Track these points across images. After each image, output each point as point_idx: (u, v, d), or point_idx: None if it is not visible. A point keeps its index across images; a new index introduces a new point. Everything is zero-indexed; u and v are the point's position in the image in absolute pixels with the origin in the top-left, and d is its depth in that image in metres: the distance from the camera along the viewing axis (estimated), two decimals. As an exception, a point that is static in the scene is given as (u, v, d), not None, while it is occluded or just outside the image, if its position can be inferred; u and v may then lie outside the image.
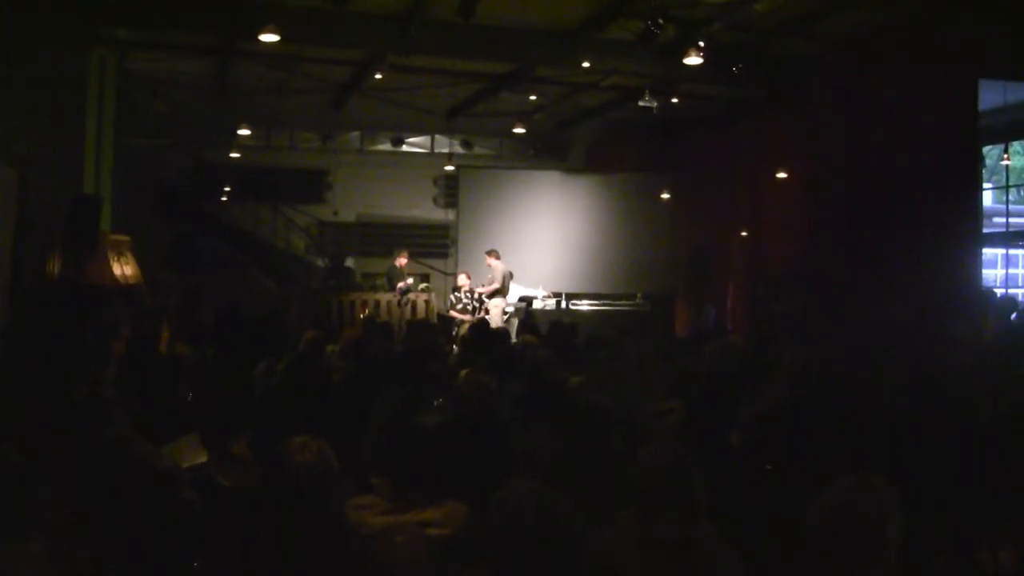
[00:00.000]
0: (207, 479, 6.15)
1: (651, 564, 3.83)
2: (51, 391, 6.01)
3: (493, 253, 19.25)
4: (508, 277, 19.16)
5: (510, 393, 6.85)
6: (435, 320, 18.94)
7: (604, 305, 20.79)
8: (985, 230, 16.73)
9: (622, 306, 20.68)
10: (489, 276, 19.16)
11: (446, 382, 8.54)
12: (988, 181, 16.48)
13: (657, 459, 4.12)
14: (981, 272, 15.36)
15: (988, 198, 19.44)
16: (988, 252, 17.48)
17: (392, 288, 19.61)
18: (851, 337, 12.73)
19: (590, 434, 5.08)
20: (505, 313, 18.95)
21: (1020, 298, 16.90)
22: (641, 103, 17.16)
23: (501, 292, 18.89)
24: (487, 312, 18.67)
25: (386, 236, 24.84)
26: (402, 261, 19.81)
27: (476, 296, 19.15)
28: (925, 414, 5.93)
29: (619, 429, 5.16)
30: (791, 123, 17.45)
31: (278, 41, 12.92)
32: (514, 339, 12.93)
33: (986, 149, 16.66)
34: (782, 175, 17.88)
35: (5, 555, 3.65)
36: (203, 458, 6.36)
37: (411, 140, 24.93)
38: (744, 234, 19.63)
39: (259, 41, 12.94)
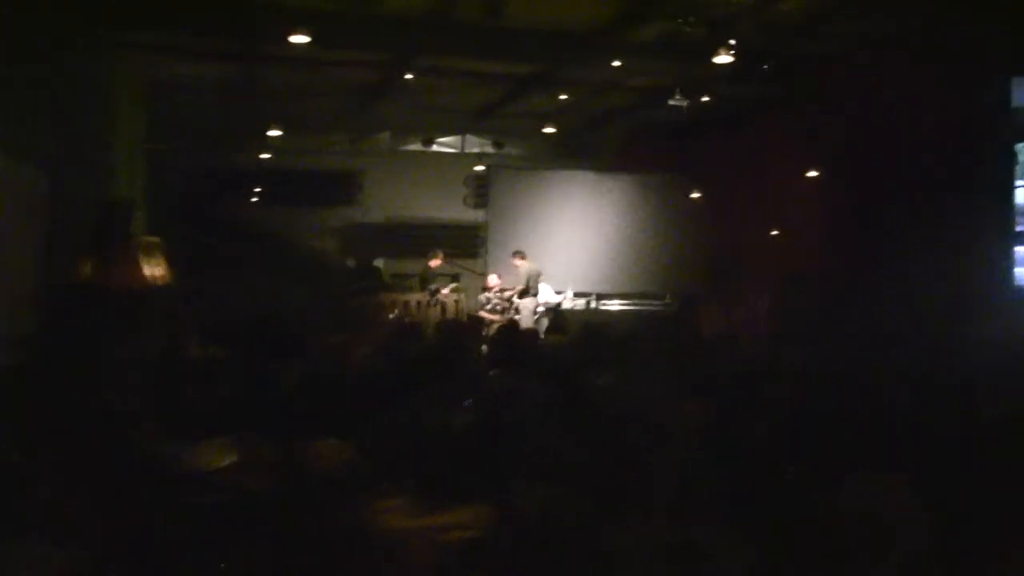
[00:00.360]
0: (233, 482, 6.19)
1: (672, 568, 3.84)
2: (81, 394, 6.06)
3: (519, 254, 19.29)
4: (536, 277, 19.18)
5: (537, 394, 6.85)
6: (465, 320, 18.97)
7: (634, 305, 20.80)
8: (1019, 228, 16.55)
9: (651, 306, 20.69)
10: (515, 277, 19.21)
11: (474, 383, 8.56)
12: (1022, 179, 16.32)
13: (676, 461, 4.14)
14: (1013, 271, 15.21)
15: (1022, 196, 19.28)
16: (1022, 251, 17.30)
17: (424, 288, 19.66)
18: (875, 338, 12.68)
19: (615, 435, 5.09)
20: (536, 313, 18.97)
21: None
22: (672, 102, 17.13)
23: (528, 292, 18.91)
24: (517, 312, 18.70)
25: (416, 237, 24.89)
26: (436, 262, 19.84)
27: (506, 297, 19.18)
28: (948, 417, 5.91)
29: (644, 430, 5.17)
30: (819, 121, 17.38)
31: (306, 44, 12.95)
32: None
33: (1020, 146, 16.48)
34: (809, 173, 17.82)
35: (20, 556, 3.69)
36: (229, 461, 6.40)
37: (441, 140, 24.90)
38: (772, 233, 19.57)
39: (285, 44, 12.98)
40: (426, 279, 19.78)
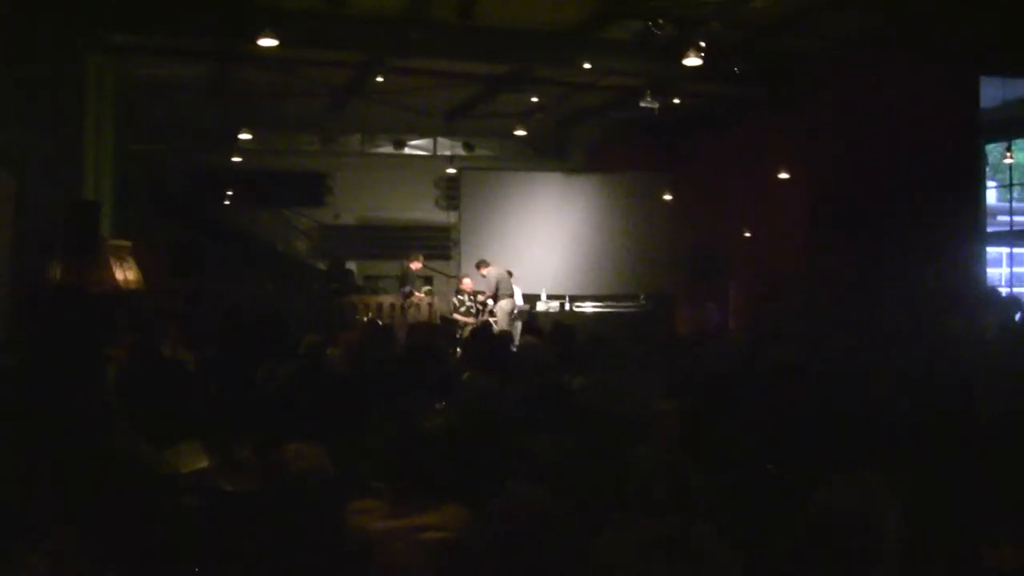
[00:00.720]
0: (209, 484, 6.19)
1: (649, 565, 3.85)
2: (52, 398, 6.04)
3: (482, 263, 19.31)
4: (506, 280, 19.18)
5: (512, 395, 6.87)
6: (438, 323, 18.98)
7: (607, 307, 20.84)
8: (989, 228, 16.68)
9: (625, 307, 20.73)
10: (483, 286, 19.21)
11: (448, 385, 8.58)
12: (991, 179, 16.46)
13: (654, 460, 4.16)
14: (985, 270, 15.33)
15: (992, 196, 19.43)
16: (992, 251, 17.43)
17: (400, 290, 19.70)
18: (851, 336, 12.74)
19: (591, 436, 5.11)
20: (511, 315, 18.99)
21: (1024, 296, 16.90)
22: (643, 104, 17.17)
23: (498, 297, 18.93)
24: (492, 315, 18.72)
25: (388, 239, 24.91)
26: (416, 265, 19.86)
27: (479, 299, 19.20)
28: (924, 413, 5.96)
29: (619, 430, 5.19)
30: (791, 122, 17.45)
31: (276, 45, 12.92)
32: (517, 341, 12.97)
33: (989, 147, 16.62)
34: (782, 174, 17.89)
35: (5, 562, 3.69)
36: (205, 463, 6.39)
37: (412, 142, 24.87)
38: (745, 233, 19.65)
39: (257, 45, 12.94)
40: (406, 281, 19.78)
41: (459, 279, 20.16)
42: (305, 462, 4.08)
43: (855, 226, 15.55)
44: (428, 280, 23.56)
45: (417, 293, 19.75)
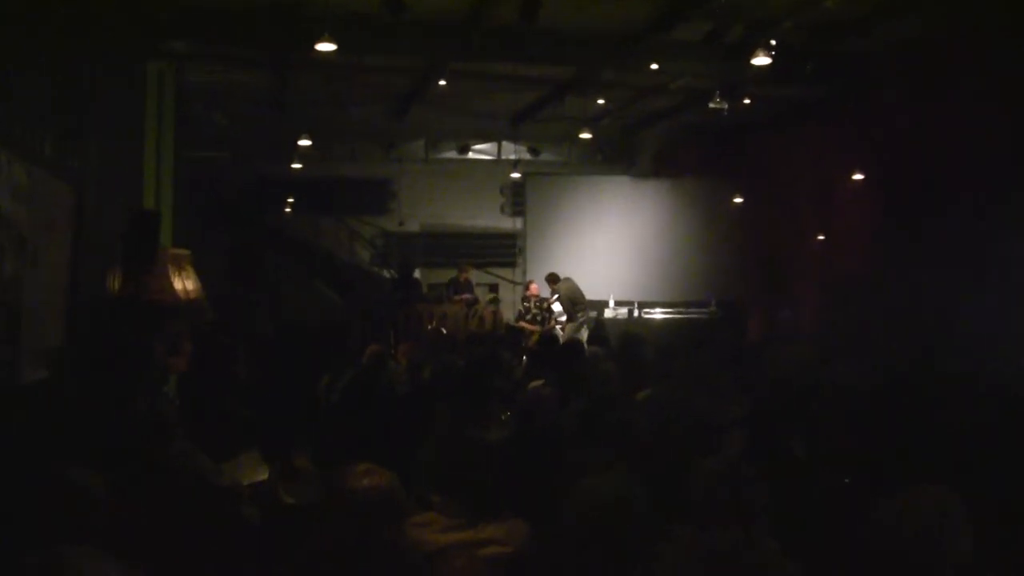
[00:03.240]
0: (269, 496, 6.27)
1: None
2: (112, 408, 6.14)
3: (551, 277, 19.26)
4: (577, 293, 19.11)
5: (575, 408, 6.89)
6: (503, 332, 19.00)
7: (676, 313, 20.79)
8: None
9: (694, 314, 20.66)
10: (555, 298, 19.20)
11: (512, 396, 8.61)
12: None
13: (715, 471, 4.16)
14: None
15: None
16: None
17: (450, 298, 19.80)
18: (927, 345, 12.63)
19: (653, 450, 5.12)
20: (577, 323, 18.98)
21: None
22: (712, 105, 17.09)
23: (573, 316, 18.85)
24: (558, 323, 18.73)
25: (452, 246, 24.98)
26: (465, 275, 19.95)
27: (546, 306, 19.21)
28: (999, 423, 5.91)
29: (683, 445, 5.19)
30: (862, 123, 17.33)
31: (335, 51, 12.99)
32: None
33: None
34: (854, 176, 17.76)
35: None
36: (264, 475, 6.48)
37: (477, 147, 24.86)
38: (817, 237, 19.54)
39: (316, 51, 13.03)
40: (458, 289, 19.87)
41: (526, 285, 20.16)
42: (372, 487, 4.07)
43: (928, 229, 15.39)
44: (493, 287, 23.62)
45: (480, 301, 19.81)
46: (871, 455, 5.48)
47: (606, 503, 3.80)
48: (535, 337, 16.37)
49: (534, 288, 19.58)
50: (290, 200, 24.95)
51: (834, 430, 5.82)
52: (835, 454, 5.56)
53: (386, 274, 24.72)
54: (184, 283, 12.78)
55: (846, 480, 5.38)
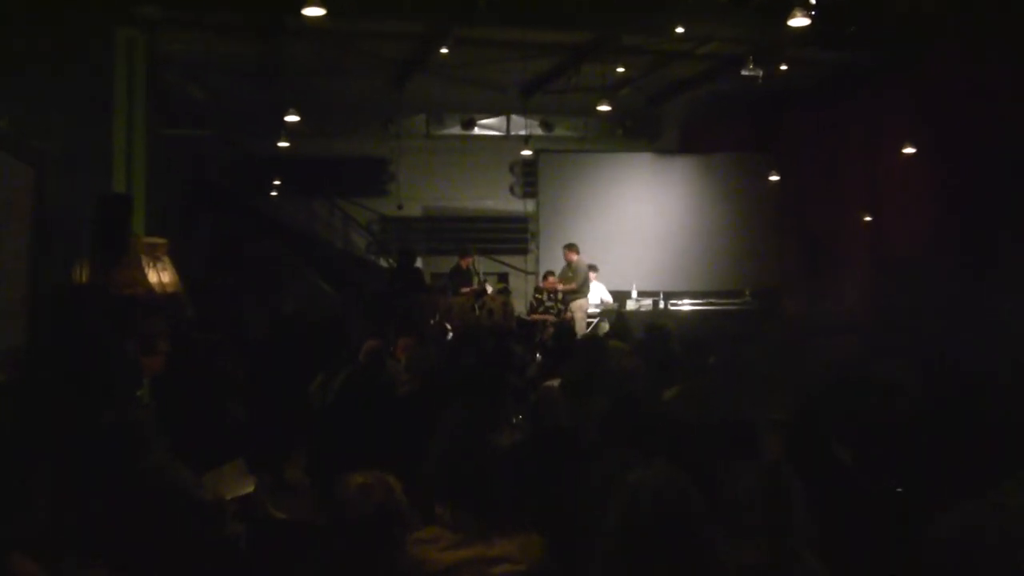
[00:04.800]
0: (257, 511, 6.24)
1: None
2: (79, 414, 6.11)
3: (573, 248, 19.24)
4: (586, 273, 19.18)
5: (594, 408, 6.86)
6: (513, 326, 18.96)
7: (707, 304, 20.74)
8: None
9: (727, 305, 20.62)
10: (570, 274, 19.16)
11: (525, 396, 8.60)
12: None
13: (751, 479, 4.14)
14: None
15: None
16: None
17: (454, 289, 19.78)
18: (988, 335, 12.56)
19: (682, 454, 5.09)
20: (589, 316, 18.95)
21: None
22: (744, 72, 17.04)
23: (581, 292, 18.89)
24: (571, 314, 18.70)
25: (456, 231, 24.90)
26: (466, 261, 19.96)
27: (560, 298, 19.18)
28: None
29: (715, 447, 5.17)
30: (912, 91, 17.27)
31: (325, 16, 12.93)
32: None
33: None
34: (904, 150, 17.69)
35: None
36: (250, 487, 6.44)
37: (483, 122, 24.69)
38: (864, 218, 19.47)
39: (303, 16, 12.95)
40: (460, 278, 19.87)
41: (544, 276, 20.10)
42: (373, 498, 4.06)
43: (989, 208, 15.33)
44: (503, 277, 23.57)
45: (489, 290, 19.78)
46: (925, 461, 5.45)
47: (663, 495, 3.77)
48: (550, 331, 16.33)
49: (552, 281, 19.51)
50: (277, 182, 24.86)
51: (883, 433, 5.78)
52: (884, 460, 5.52)
53: (384, 263, 24.68)
54: (160, 275, 12.77)
55: (898, 489, 5.36)
